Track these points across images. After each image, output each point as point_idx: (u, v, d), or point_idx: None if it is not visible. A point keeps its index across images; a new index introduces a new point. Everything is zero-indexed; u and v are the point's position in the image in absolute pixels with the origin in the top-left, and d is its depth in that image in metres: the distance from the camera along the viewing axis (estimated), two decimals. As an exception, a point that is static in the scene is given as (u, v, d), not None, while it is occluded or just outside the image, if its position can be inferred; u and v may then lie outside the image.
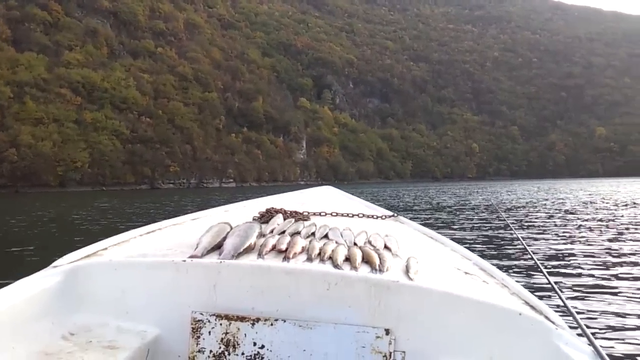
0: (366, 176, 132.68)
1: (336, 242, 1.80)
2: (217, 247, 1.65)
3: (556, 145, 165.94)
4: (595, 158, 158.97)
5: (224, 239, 1.70)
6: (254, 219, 2.16)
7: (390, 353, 1.35)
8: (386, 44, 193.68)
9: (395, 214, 2.82)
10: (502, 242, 8.35)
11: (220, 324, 1.38)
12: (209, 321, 1.39)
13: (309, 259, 1.61)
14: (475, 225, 11.62)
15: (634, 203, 19.14)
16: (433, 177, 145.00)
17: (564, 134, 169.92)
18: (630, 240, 8.58)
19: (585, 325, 1.30)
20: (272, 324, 1.38)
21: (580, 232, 9.77)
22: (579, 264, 6.27)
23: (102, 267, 1.51)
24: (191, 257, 1.54)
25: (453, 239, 2.33)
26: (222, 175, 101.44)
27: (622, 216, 13.44)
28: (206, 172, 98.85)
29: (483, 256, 6.11)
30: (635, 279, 5.35)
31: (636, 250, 7.37)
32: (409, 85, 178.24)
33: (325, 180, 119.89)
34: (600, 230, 10.05)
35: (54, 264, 1.55)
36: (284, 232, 1.92)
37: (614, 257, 6.83)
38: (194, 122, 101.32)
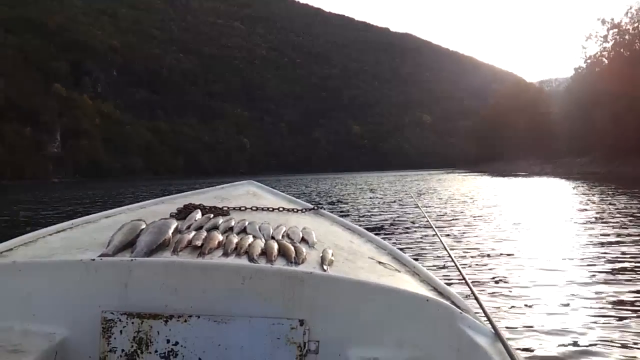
0: (134, 172, 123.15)
1: (253, 236, 1.79)
2: (130, 244, 1.61)
3: (320, 141, 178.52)
4: (352, 153, 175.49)
5: (138, 236, 1.65)
6: (171, 215, 2.11)
7: (305, 343, 1.38)
8: (153, 33, 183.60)
9: (316, 207, 2.85)
10: (418, 233, 8.84)
11: (132, 323, 1.36)
12: (120, 320, 1.36)
13: (225, 254, 1.60)
14: (393, 215, 12.30)
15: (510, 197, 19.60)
16: (205, 173, 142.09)
17: (326, 131, 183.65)
18: (532, 232, 9.07)
19: (490, 310, 1.41)
20: (185, 321, 1.37)
21: (488, 224, 10.29)
22: (487, 252, 6.76)
23: (5, 269, 1.45)
24: (101, 255, 1.50)
25: (371, 230, 2.51)
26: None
27: (518, 209, 13.82)
28: None
29: (400, 246, 6.22)
30: (537, 268, 5.70)
31: (538, 242, 7.96)
32: (179, 77, 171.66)
33: (85, 177, 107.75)
34: (501, 222, 10.48)
35: None
36: (201, 227, 1.88)
37: (517, 246, 7.31)
38: None
